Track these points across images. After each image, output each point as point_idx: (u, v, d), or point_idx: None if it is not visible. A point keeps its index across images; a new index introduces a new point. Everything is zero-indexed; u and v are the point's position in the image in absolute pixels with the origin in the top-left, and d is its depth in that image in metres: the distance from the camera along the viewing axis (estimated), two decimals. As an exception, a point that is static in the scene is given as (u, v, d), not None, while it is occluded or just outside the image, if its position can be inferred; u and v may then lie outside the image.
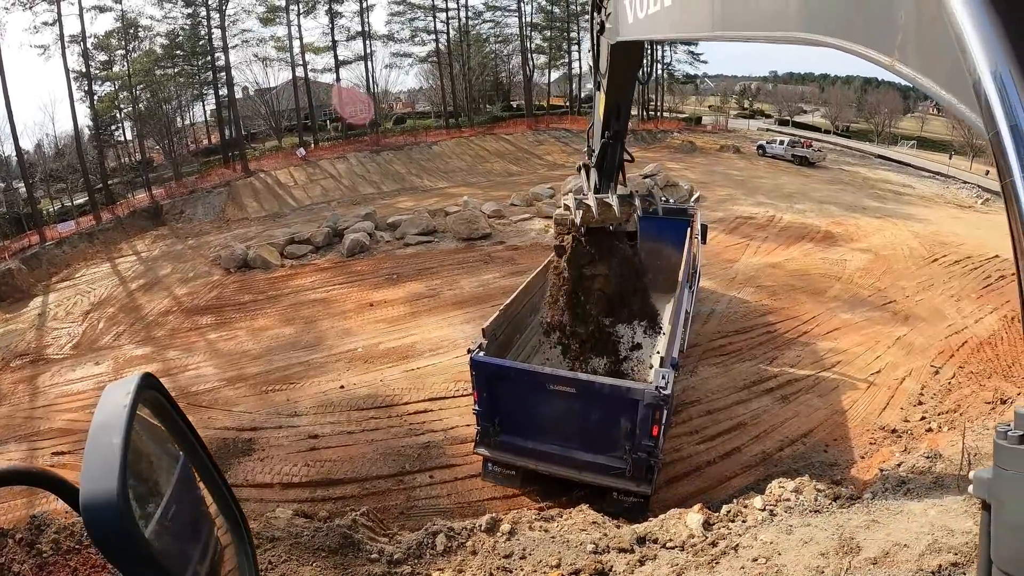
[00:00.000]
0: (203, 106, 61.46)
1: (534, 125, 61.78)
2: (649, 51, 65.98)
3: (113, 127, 55.84)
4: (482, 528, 9.36)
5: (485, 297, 22.27)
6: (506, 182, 45.78)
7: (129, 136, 57.15)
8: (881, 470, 11.21)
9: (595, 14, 10.11)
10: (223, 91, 57.02)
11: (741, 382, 15.70)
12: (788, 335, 18.45)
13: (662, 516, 9.43)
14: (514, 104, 69.27)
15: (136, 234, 44.23)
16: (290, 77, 60.55)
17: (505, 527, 9.37)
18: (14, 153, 47.82)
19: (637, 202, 12.49)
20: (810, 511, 9.02)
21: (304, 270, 29.22)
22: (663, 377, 9.91)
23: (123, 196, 51.16)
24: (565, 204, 12.77)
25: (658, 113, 68.47)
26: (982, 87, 1.26)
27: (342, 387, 17.23)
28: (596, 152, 12.28)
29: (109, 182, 52.49)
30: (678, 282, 14.04)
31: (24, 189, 48.61)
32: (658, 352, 11.96)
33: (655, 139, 59.08)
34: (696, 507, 9.41)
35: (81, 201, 51.15)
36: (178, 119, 59.16)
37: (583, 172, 13.38)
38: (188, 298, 28.02)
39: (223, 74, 56.23)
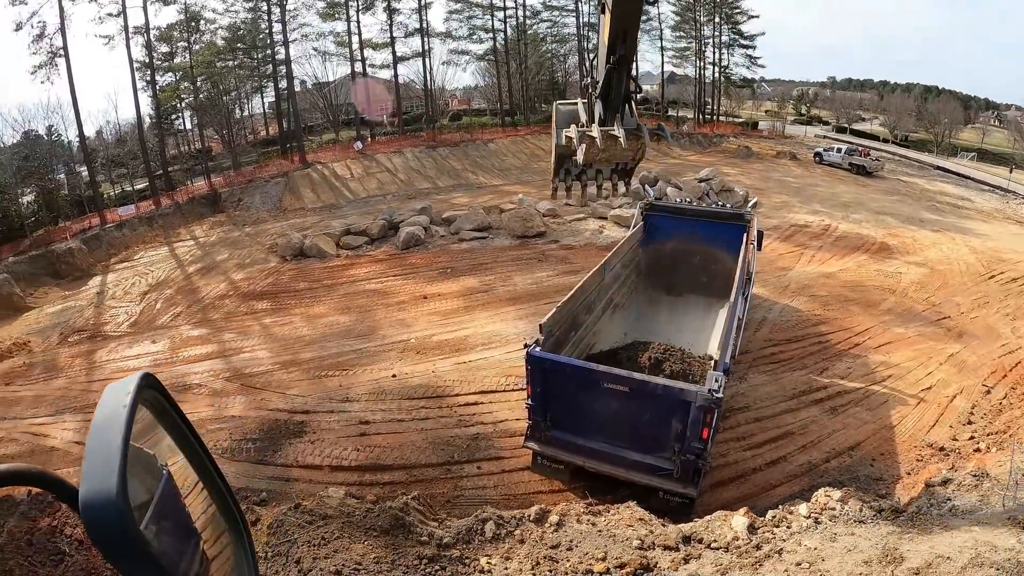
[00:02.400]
0: (262, 98, 62.69)
1: None
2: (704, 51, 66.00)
3: (174, 116, 57.49)
4: (531, 518, 9.57)
5: (538, 294, 22.38)
6: (560, 182, 45.78)
7: (189, 125, 59.04)
8: (927, 485, 11.14)
9: None
10: (282, 84, 58.14)
11: (790, 391, 15.62)
12: (840, 346, 18.31)
13: (708, 517, 9.53)
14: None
15: (194, 220, 45.38)
16: (348, 72, 61.62)
17: (553, 518, 9.57)
18: (77, 139, 49.59)
19: (646, 135, 12.19)
20: (854, 521, 9.06)
21: (359, 261, 29.69)
22: (716, 380, 9.87)
23: (182, 183, 52.77)
24: (567, 136, 12.53)
25: (714, 117, 67.75)
26: None
27: (394, 376, 17.51)
28: (600, 82, 11.90)
29: (169, 169, 54.02)
30: (732, 288, 13.94)
31: (86, 173, 50.33)
32: (711, 356, 12.00)
33: (711, 143, 58.56)
34: (742, 510, 9.51)
35: (141, 186, 52.69)
36: (237, 110, 60.47)
37: (584, 105, 12.92)
38: (245, 283, 28.70)
39: (283, 67, 57.30)
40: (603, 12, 11.30)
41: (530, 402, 11.66)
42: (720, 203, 23.03)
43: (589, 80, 12.81)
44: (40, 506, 13.23)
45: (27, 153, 47.94)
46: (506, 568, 8.57)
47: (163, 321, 26.28)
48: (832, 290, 22.55)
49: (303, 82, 61.90)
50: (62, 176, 51.14)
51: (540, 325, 11.74)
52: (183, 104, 57.21)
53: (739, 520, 9.16)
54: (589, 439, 11.32)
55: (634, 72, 12.29)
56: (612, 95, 11.92)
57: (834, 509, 9.46)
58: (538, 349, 11.34)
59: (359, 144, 55.54)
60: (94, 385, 20.97)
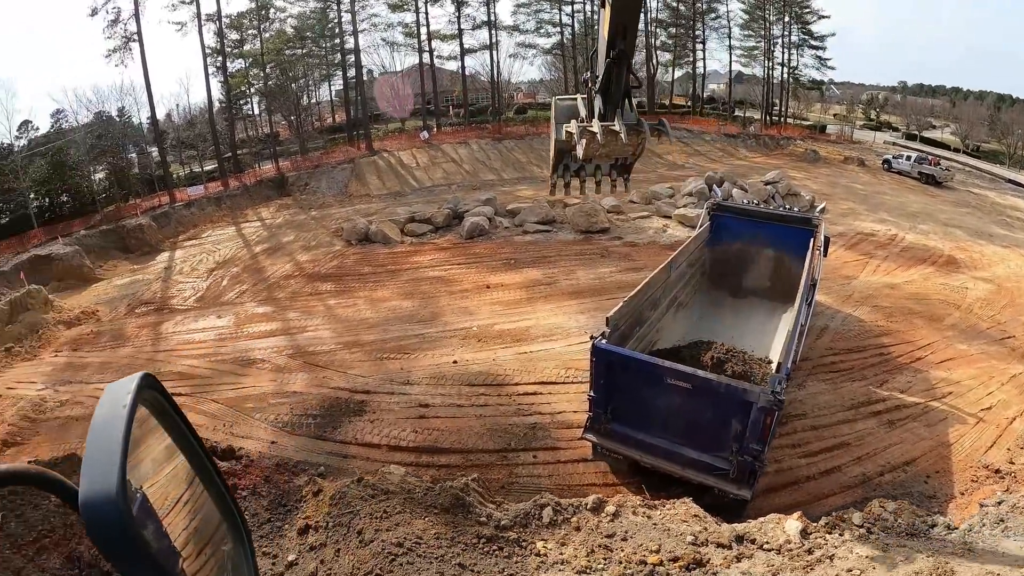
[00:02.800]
0: (329, 86, 63.82)
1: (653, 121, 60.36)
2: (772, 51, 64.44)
3: (242, 101, 58.95)
4: (587, 507, 9.81)
5: (601, 290, 22.47)
6: (625, 177, 45.69)
7: (257, 111, 60.42)
8: (980, 505, 11.09)
9: None
10: (350, 73, 59.13)
11: (849, 401, 15.51)
12: (901, 359, 18.11)
13: (761, 519, 9.64)
14: (635, 101, 67.94)
15: (261, 202, 46.57)
16: (416, 62, 62.30)
17: (610, 509, 9.80)
18: (148, 120, 51.71)
19: (646, 130, 12.07)
20: (906, 534, 9.13)
21: (424, 248, 30.13)
22: (779, 382, 9.88)
23: (250, 166, 54.47)
24: (567, 131, 12.41)
25: (781, 119, 66.21)
26: None
27: (455, 362, 17.88)
28: (600, 76, 11.76)
29: (237, 152, 55.77)
30: (797, 293, 13.89)
31: (157, 153, 52.48)
32: (772, 360, 12.05)
33: (777, 145, 57.50)
34: (796, 514, 9.62)
35: (210, 168, 54.67)
36: (305, 97, 61.61)
37: (583, 101, 12.78)
38: (310, 265, 29.40)
39: (351, 57, 58.30)
40: (603, 6, 11.23)
41: (592, 394, 11.80)
42: (787, 207, 22.78)
43: (589, 75, 12.65)
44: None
45: (100, 132, 49.91)
46: (561, 553, 8.85)
47: (229, 297, 27.11)
48: (896, 302, 22.26)
49: (370, 71, 62.93)
50: (133, 156, 53.30)
51: (607, 318, 11.85)
52: (252, 90, 58.87)
53: (792, 524, 9.28)
54: (648, 434, 11.43)
55: (635, 67, 12.22)
56: (612, 90, 11.85)
57: (887, 520, 9.54)
58: (604, 341, 11.43)
59: (425, 134, 56.26)
60: (160, 355, 21.82)
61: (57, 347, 25.65)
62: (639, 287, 13.54)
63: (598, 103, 11.91)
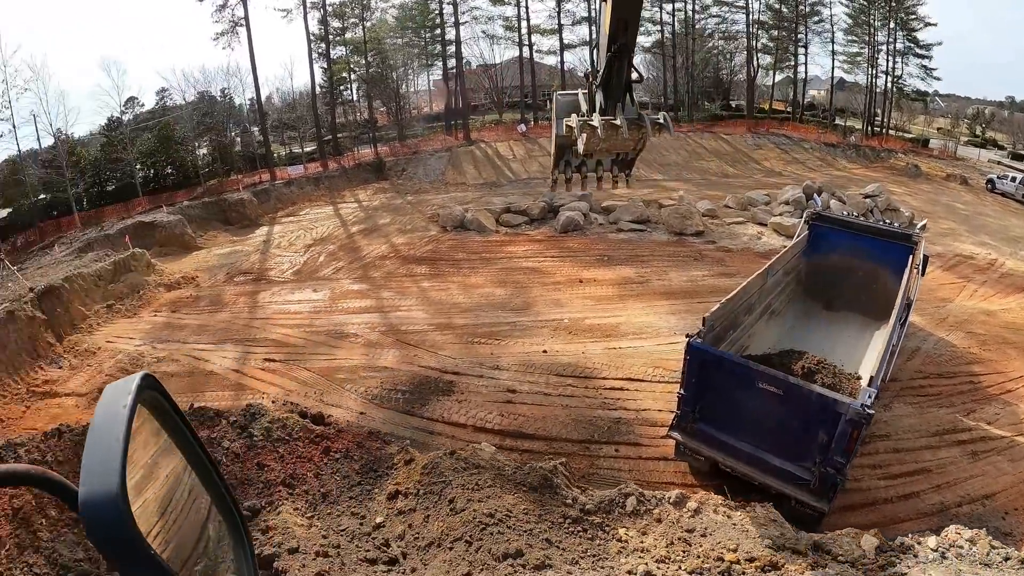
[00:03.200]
0: (428, 76, 65.21)
1: (754, 128, 59.49)
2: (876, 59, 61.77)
3: (342, 87, 60.80)
4: (670, 500, 10.10)
5: (692, 292, 22.53)
6: (721, 182, 45.28)
7: (357, 96, 62.27)
8: (1059, 546, 10.91)
9: None
10: (450, 63, 60.35)
11: (934, 427, 15.22)
12: (991, 390, 17.59)
13: (838, 531, 9.78)
14: (733, 104, 66.85)
15: (359, 184, 48.03)
16: (514, 55, 62.85)
17: (692, 505, 10.07)
18: (247, 101, 55.05)
19: (647, 124, 11.90)
20: (980, 563, 9.08)
21: (518, 239, 30.66)
22: (869, 396, 9.82)
23: (349, 149, 56.40)
24: (568, 125, 12.40)
25: (883, 130, 63.23)
26: None
27: (544, 352, 18.29)
28: (601, 71, 11.76)
29: (337, 135, 57.85)
30: (892, 311, 13.72)
31: (258, 133, 54.98)
32: (861, 377, 12.03)
33: (878, 157, 55.44)
34: (872, 531, 9.75)
35: (310, 149, 56.79)
36: (404, 86, 63.04)
37: (584, 96, 12.77)
38: (405, 247, 30.27)
39: (451, 47, 59.36)
40: (604, 1, 11.18)
41: (682, 392, 11.95)
42: (886, 222, 22.38)
43: (590, 69, 12.69)
44: (202, 418, 14.85)
45: (206, 111, 52.68)
46: (642, 542, 9.20)
47: (325, 273, 28.20)
48: (991, 329, 21.64)
49: (468, 63, 63.82)
50: (235, 134, 56.02)
51: (703, 318, 11.95)
52: (353, 76, 60.79)
53: (868, 540, 9.39)
54: (733, 437, 11.51)
55: (635, 63, 12.10)
56: (613, 84, 11.83)
57: (962, 547, 9.50)
58: (699, 340, 11.55)
59: (523, 126, 56.82)
60: (256, 322, 22.93)
61: (156, 308, 27.20)
62: (736, 291, 13.60)
63: (599, 97, 12.02)
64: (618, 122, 11.47)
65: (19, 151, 46.34)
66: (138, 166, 48.46)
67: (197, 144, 52.15)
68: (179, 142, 49.70)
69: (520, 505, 8.94)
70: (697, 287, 23.23)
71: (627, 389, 16.21)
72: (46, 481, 1.37)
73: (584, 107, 12.52)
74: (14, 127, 44.70)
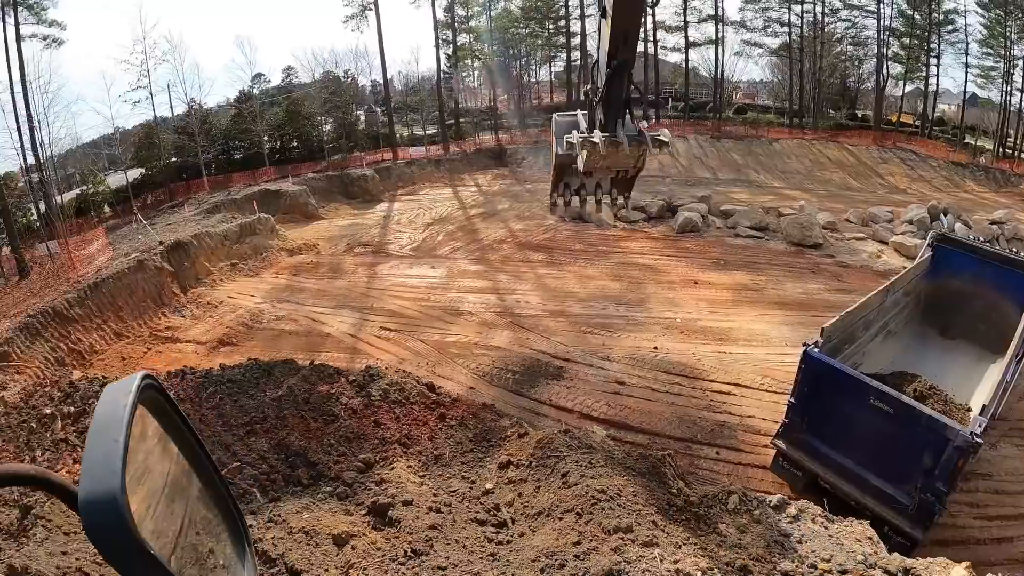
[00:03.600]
0: (550, 67, 65.48)
1: (880, 140, 56.59)
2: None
3: (465, 74, 62.17)
4: (771, 504, 10.17)
5: (807, 305, 22.19)
6: (842, 195, 44.01)
7: (479, 84, 63.93)
8: None
9: None
10: (573, 55, 60.61)
11: None
12: (1107, 443, 16.80)
13: (929, 559, 9.71)
14: (859, 113, 63.87)
15: (478, 169, 49.10)
16: (639, 50, 62.10)
17: (791, 511, 10.11)
18: (370, 83, 57.92)
19: (647, 141, 11.85)
20: None
21: (635, 235, 30.83)
22: (980, 424, 9.61)
23: (470, 135, 57.98)
24: (568, 142, 12.24)
25: (1015, 153, 56.75)
26: None
27: (655, 348, 18.46)
28: (601, 88, 11.62)
29: (459, 120, 59.48)
30: (1011, 344, 13.25)
31: (382, 113, 57.15)
32: (970, 408, 11.73)
33: (1008, 181, 50.62)
34: (964, 564, 9.63)
35: (431, 132, 58.65)
36: (526, 75, 63.63)
37: (583, 115, 12.61)
38: (522, 234, 30.87)
39: (575, 39, 59.54)
40: (603, 16, 11.09)
41: (793, 400, 11.94)
42: (1014, 251, 21.40)
43: (590, 86, 12.57)
44: (322, 374, 15.70)
45: (334, 89, 54.91)
46: (740, 539, 9.31)
47: (443, 252, 29.07)
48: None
49: (591, 55, 63.45)
50: (360, 113, 58.66)
51: (822, 328, 11.85)
52: (476, 63, 62.41)
53: (960, 571, 9.25)
54: (836, 452, 11.42)
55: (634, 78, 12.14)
56: (613, 100, 11.77)
57: None
58: (817, 350, 11.48)
59: (645, 123, 56.04)
60: (373, 292, 23.87)
61: (277, 270, 28.57)
62: (855, 305, 13.39)
63: (599, 114, 12.02)
64: (619, 138, 11.69)
65: (155, 116, 50.16)
66: (266, 138, 51.43)
67: (323, 120, 54.64)
68: (306, 117, 52.14)
69: (629, 487, 9.19)
70: (812, 300, 22.86)
71: (733, 394, 16.24)
72: (46, 481, 1.36)
73: (584, 126, 12.57)
74: (151, 94, 48.21)
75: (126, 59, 49.49)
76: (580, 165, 12.41)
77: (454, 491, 10.25)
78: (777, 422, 12.77)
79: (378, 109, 58.73)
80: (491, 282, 24.72)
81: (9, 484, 1.38)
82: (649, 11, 59.26)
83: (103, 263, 30.77)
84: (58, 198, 42.92)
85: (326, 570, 8.81)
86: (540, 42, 61.88)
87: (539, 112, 62.31)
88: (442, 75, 59.66)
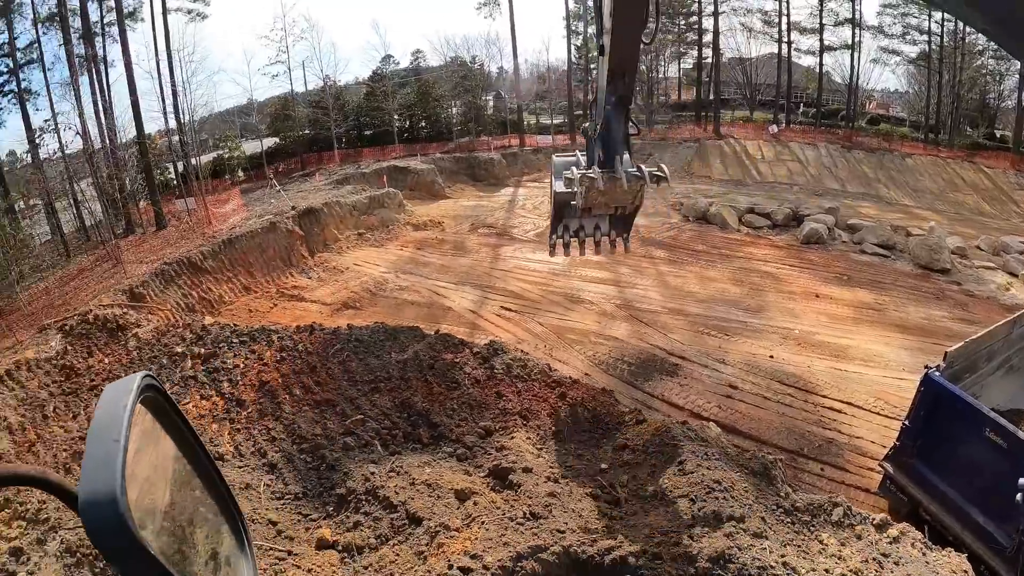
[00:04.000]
0: (678, 64, 64.71)
1: (1018, 164, 52.36)
2: None
3: (594, 66, 62.17)
4: (873, 522, 10.35)
5: (929, 332, 21.71)
6: (974, 219, 42.23)
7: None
8: None
9: None
10: (704, 52, 60.07)
11: None
12: None
13: None
14: (997, 133, 59.25)
15: (604, 162, 49.14)
16: (771, 52, 60.55)
17: (893, 532, 10.21)
18: (496, 69, 59.15)
19: (646, 176, 11.52)
20: None
21: (759, 241, 30.63)
22: None
23: None
24: (568, 178, 12.03)
25: None
26: None
27: (771, 357, 18.58)
28: (599, 123, 11.46)
29: (588, 112, 58.97)
30: None
31: (510, 99, 58.46)
32: None
33: None
34: None
35: (558, 121, 59.53)
36: (655, 71, 63.20)
37: (581, 155, 12.45)
38: (645, 230, 30.96)
39: (706, 36, 58.81)
40: (601, 54, 11.01)
41: (907, 423, 11.90)
42: None
43: (588, 124, 12.37)
44: (447, 343, 16.53)
45: (465, 73, 56.62)
46: (839, 551, 9.59)
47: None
48: None
49: (723, 54, 62.59)
50: (488, 99, 60.10)
51: (946, 352, 11.72)
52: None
53: None
54: (943, 482, 11.30)
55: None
56: (612, 137, 11.58)
57: None
58: (938, 374, 11.37)
59: (774, 127, 55.38)
60: (495, 272, 24.72)
61: (403, 243, 29.78)
62: (982, 333, 13.13)
63: (598, 150, 11.86)
64: (618, 174, 11.48)
65: (292, 90, 53.27)
66: (396, 116, 53.86)
67: (453, 103, 56.57)
68: (436, 100, 54.02)
69: (741, 483, 9.60)
70: (934, 327, 22.34)
71: (845, 412, 16.20)
72: (46, 482, 1.36)
73: (583, 162, 12.49)
74: (288, 69, 51.16)
75: (266, 35, 53.02)
76: (579, 201, 12.22)
77: (569, 467, 10.91)
78: (885, 446, 12.75)
79: (507, 96, 59.81)
80: (612, 274, 25.21)
81: (9, 484, 1.37)
82: (784, 11, 58.39)
83: (237, 222, 32.98)
84: (196, 160, 45.98)
85: (448, 520, 9.63)
86: (671, 38, 61.24)
87: (667, 109, 62.03)
88: (572, 65, 60.14)
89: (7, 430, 18.37)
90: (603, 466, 10.77)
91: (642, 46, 10.66)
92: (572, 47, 59.44)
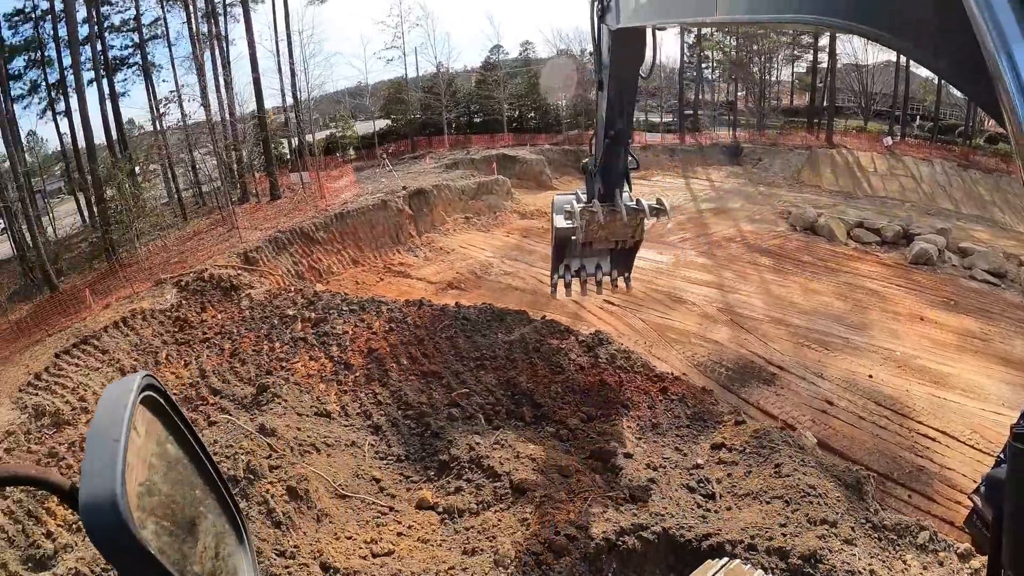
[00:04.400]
0: (792, 67, 63.32)
1: None
2: None
3: (705, 65, 61.76)
4: (957, 551, 10.51)
5: (1034, 369, 21.14)
6: (1096, 252, 40.18)
7: (718, 77, 63.62)
8: None
9: (595, 4, 9.62)
10: (819, 56, 58.43)
11: None
12: None
13: None
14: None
15: (712, 164, 49.09)
16: (888, 59, 58.41)
17: (975, 563, 10.38)
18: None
19: (645, 209, 11.64)
20: None
21: (866, 257, 30.20)
22: None
23: (706, 128, 57.97)
24: (567, 211, 12.12)
25: None
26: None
27: (870, 376, 18.53)
28: (598, 158, 11.51)
29: (697, 112, 60.01)
30: None
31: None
32: None
33: None
34: None
35: (667, 120, 59.71)
36: (767, 74, 62.20)
37: (582, 194, 12.49)
38: (751, 236, 31.10)
39: (822, 40, 57.28)
40: (600, 89, 11.01)
41: (1001, 456, 12.05)
42: None
43: (588, 159, 12.51)
44: (552, 329, 17.15)
45: (575, 66, 56.49)
46: (920, 574, 9.89)
47: (671, 240, 30.00)
48: None
49: (837, 60, 61.03)
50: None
51: None
52: (718, 57, 61.96)
53: None
54: None
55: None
56: (611, 171, 11.60)
57: None
58: None
59: (888, 139, 53.45)
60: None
61: (509, 230, 30.57)
62: None
63: (597, 184, 11.95)
64: (617, 207, 11.66)
65: (405, 75, 55.31)
66: (506, 106, 54.61)
67: (563, 95, 56.77)
68: (547, 91, 54.39)
69: (834, 492, 10.00)
70: (1040, 364, 21.75)
71: (939, 441, 16.07)
72: (46, 482, 1.35)
73: (583, 197, 12.55)
74: (403, 54, 52.84)
75: (383, 20, 54.83)
76: (579, 236, 12.43)
77: (667, 458, 11.53)
78: (975, 481, 12.74)
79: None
80: (716, 277, 25.43)
81: (9, 484, 1.35)
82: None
83: (348, 198, 34.47)
84: (310, 136, 48.32)
85: (552, 492, 10.34)
86: (785, 40, 60.05)
87: (778, 114, 61.03)
88: (684, 63, 60.03)
89: (120, 371, 20.04)
90: (699, 461, 11.31)
91: (640, 81, 10.93)
92: (684, 45, 59.27)
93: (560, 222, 13.05)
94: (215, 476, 1.82)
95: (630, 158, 12.05)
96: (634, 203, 12.06)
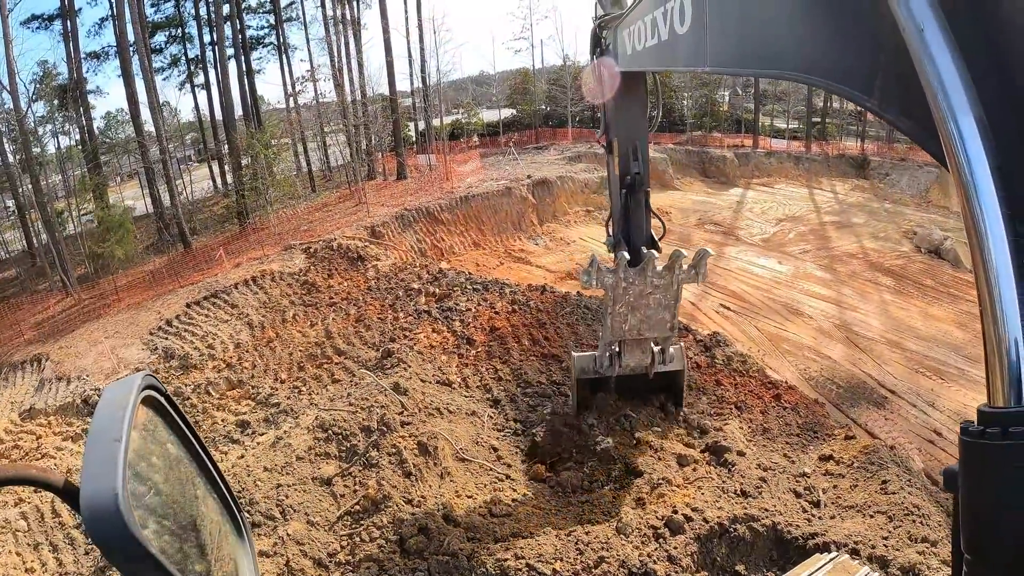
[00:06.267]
0: None
1: None
2: None
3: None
4: None
5: None
6: None
7: None
8: None
9: (594, 49, 9.52)
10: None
11: None
12: None
13: None
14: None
15: (837, 175, 48.12)
16: None
17: None
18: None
19: (680, 261, 10.42)
20: None
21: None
22: None
23: (834, 137, 56.98)
24: (586, 271, 10.72)
25: None
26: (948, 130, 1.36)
27: (981, 411, 18.44)
28: (617, 214, 10.66)
29: (826, 120, 59.20)
30: None
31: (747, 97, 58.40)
32: None
33: None
34: None
35: (793, 126, 59.15)
36: None
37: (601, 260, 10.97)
38: (874, 254, 30.73)
39: None
40: (609, 152, 10.75)
41: None
42: None
43: (607, 239, 11.44)
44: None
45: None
46: None
47: (792, 250, 29.97)
48: None
49: None
50: (725, 94, 61.11)
51: None
52: None
53: None
54: None
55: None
56: (632, 226, 10.54)
57: None
58: None
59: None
60: (718, 270, 25.72)
61: (628, 227, 31.03)
62: None
63: (622, 252, 10.61)
64: (649, 273, 10.52)
65: (532, 66, 57.29)
66: None
67: (688, 94, 57.06)
68: (672, 90, 54.43)
69: (936, 516, 10.39)
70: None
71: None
72: (46, 482, 1.35)
73: (602, 262, 11.06)
74: (531, 46, 53.76)
75: (512, 11, 55.98)
76: (609, 306, 10.99)
77: (775, 463, 12.16)
78: None
79: (740, 91, 59.34)
80: (835, 292, 25.34)
81: (10, 484, 1.36)
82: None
83: (473, 182, 35.70)
84: (437, 121, 50.36)
85: (669, 476, 11.08)
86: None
87: (911, 128, 59.39)
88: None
89: (247, 325, 21.70)
90: (806, 470, 11.86)
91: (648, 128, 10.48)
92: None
93: (580, 363, 12.61)
94: (215, 475, 1.86)
95: (656, 216, 11.07)
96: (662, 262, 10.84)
